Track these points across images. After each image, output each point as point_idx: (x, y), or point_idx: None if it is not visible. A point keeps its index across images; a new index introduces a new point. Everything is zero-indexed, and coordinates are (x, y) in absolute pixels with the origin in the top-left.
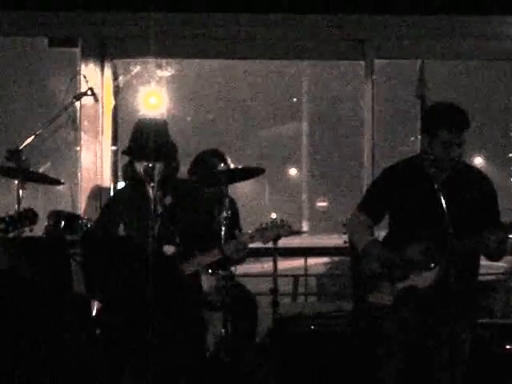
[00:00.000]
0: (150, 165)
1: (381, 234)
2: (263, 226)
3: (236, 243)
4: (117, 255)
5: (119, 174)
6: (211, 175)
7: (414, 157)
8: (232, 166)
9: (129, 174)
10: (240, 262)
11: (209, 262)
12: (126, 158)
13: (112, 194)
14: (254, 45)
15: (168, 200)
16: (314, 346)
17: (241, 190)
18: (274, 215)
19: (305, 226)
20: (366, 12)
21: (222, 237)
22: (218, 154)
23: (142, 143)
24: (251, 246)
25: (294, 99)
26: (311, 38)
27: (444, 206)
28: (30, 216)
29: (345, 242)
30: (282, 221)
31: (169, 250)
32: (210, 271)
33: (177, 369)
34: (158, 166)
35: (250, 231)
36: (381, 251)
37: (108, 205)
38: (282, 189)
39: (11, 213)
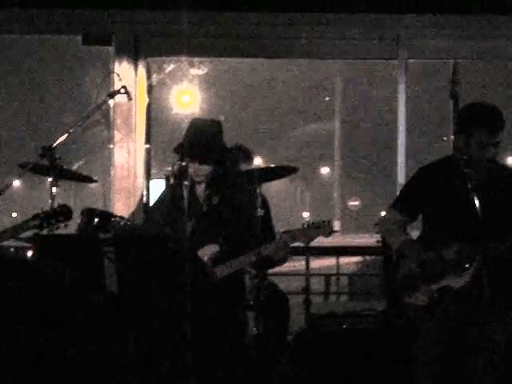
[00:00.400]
0: (184, 163)
1: (413, 233)
2: (305, 226)
3: (276, 243)
4: (149, 255)
5: (152, 172)
6: (244, 174)
7: (448, 157)
8: (256, 162)
9: (177, 172)
10: (282, 262)
11: (247, 263)
12: (159, 156)
13: (160, 193)
14: (288, 44)
15: (215, 200)
16: (346, 344)
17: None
18: (305, 214)
19: (336, 226)
20: (400, 12)
21: (256, 236)
22: (243, 149)
23: (193, 142)
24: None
25: (327, 98)
26: (345, 38)
27: (478, 206)
28: (64, 212)
29: (377, 242)
30: (323, 221)
31: (213, 249)
32: (253, 271)
33: (212, 369)
34: (205, 167)
35: (291, 230)
36: (416, 251)
37: (153, 205)
38: (314, 188)
39: (46, 209)
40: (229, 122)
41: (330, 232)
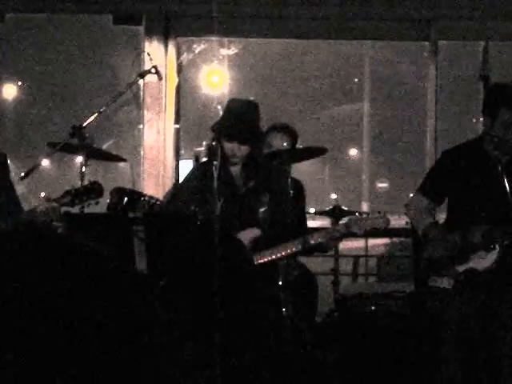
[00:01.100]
0: (214, 143)
1: (440, 216)
2: (361, 216)
3: (328, 232)
4: (181, 234)
5: (181, 152)
6: (274, 154)
7: (475, 139)
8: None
9: (209, 152)
10: (329, 249)
11: (293, 252)
12: (187, 136)
13: (188, 172)
14: (318, 24)
15: (251, 183)
16: (374, 325)
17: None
18: (333, 196)
19: (365, 207)
20: None
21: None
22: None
23: (233, 122)
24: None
25: (356, 79)
26: (375, 18)
27: (507, 187)
28: (96, 189)
29: (407, 223)
30: (379, 212)
31: (255, 232)
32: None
33: (242, 348)
34: (243, 148)
35: (344, 221)
36: (442, 234)
37: (182, 183)
38: (342, 169)
39: (77, 186)
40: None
41: (387, 224)
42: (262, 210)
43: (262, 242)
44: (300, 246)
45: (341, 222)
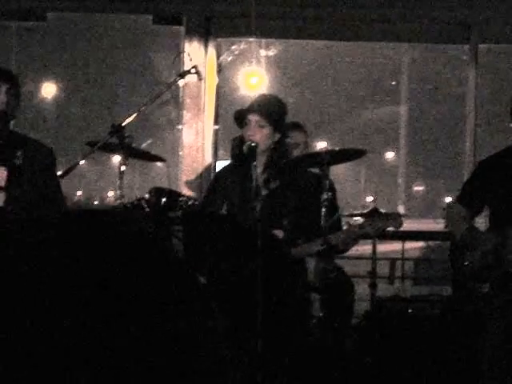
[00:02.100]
0: (253, 143)
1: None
2: (375, 216)
3: (346, 233)
4: (219, 233)
5: (219, 152)
6: (311, 156)
7: (509, 147)
8: (322, 145)
9: (235, 150)
10: (346, 251)
11: (313, 252)
12: (226, 137)
13: (216, 173)
14: (356, 26)
15: (273, 184)
16: (411, 328)
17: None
18: (369, 199)
19: (401, 210)
20: None
21: (323, 220)
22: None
23: (261, 100)
24: None
25: (393, 82)
26: (414, 21)
27: None
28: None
29: (445, 227)
30: (394, 213)
31: (278, 235)
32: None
33: (279, 348)
34: (264, 131)
35: (360, 220)
36: (480, 239)
37: (212, 183)
38: (378, 172)
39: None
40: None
41: (400, 224)
42: (286, 212)
43: (286, 242)
44: (321, 246)
45: (355, 223)
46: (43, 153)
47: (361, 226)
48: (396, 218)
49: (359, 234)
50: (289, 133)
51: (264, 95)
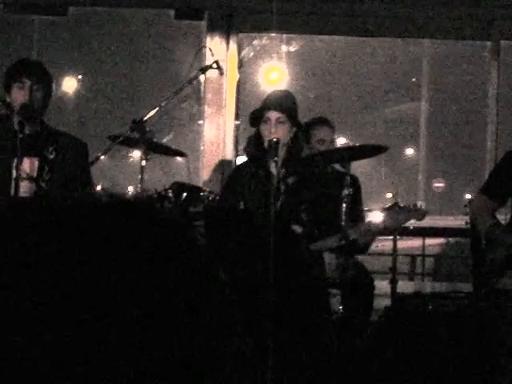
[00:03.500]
0: (275, 139)
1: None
2: (396, 209)
3: (365, 226)
4: (240, 228)
5: (239, 148)
6: (333, 152)
7: None
8: (343, 141)
9: (252, 148)
10: (366, 249)
11: (333, 246)
12: (247, 132)
13: (233, 169)
14: (379, 22)
15: (291, 180)
16: (432, 325)
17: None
18: (389, 195)
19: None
20: None
21: (343, 216)
22: (323, 120)
23: (269, 97)
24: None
25: (414, 79)
26: (436, 17)
27: None
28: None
29: (466, 223)
30: (415, 205)
31: (297, 230)
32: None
33: (297, 345)
34: (280, 129)
35: (379, 215)
36: (504, 236)
37: (229, 180)
38: (398, 168)
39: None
40: (317, 100)
41: (423, 215)
42: (303, 207)
43: (304, 238)
44: (339, 241)
45: (375, 219)
46: (76, 147)
47: (383, 219)
48: (417, 209)
49: (381, 228)
50: (316, 128)
51: (279, 91)
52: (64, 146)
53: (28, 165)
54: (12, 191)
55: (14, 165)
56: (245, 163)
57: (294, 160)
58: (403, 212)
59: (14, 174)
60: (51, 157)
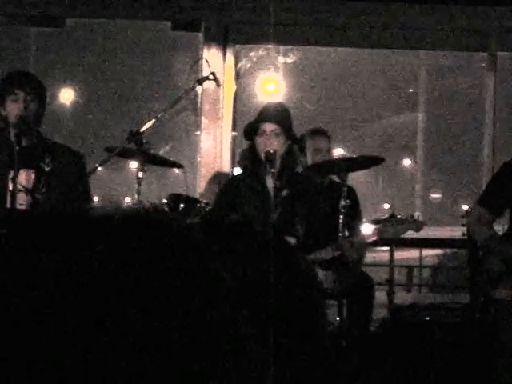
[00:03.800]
0: (272, 150)
1: (496, 227)
2: (393, 221)
3: (359, 239)
4: (236, 239)
5: (236, 159)
6: (330, 163)
7: None
8: (340, 152)
9: (247, 161)
10: (360, 259)
11: (324, 259)
12: (243, 144)
13: (228, 180)
14: (374, 33)
15: (285, 192)
16: (429, 336)
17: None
18: (386, 206)
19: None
20: (490, 4)
21: (340, 227)
22: (321, 130)
23: (265, 109)
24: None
25: (411, 90)
26: (433, 28)
27: None
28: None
29: (463, 234)
30: (411, 216)
31: (290, 241)
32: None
33: (293, 355)
34: (276, 141)
35: (374, 226)
36: (501, 247)
37: (224, 190)
38: (395, 179)
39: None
40: (314, 111)
41: (421, 227)
42: (296, 220)
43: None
44: (334, 252)
45: (374, 228)
46: (72, 159)
47: (380, 230)
48: (415, 221)
49: (377, 240)
50: (313, 138)
51: (274, 104)
52: (60, 157)
53: (24, 177)
54: (8, 203)
55: (10, 177)
56: (240, 175)
57: (288, 173)
58: (400, 224)
59: (11, 186)
60: (47, 169)
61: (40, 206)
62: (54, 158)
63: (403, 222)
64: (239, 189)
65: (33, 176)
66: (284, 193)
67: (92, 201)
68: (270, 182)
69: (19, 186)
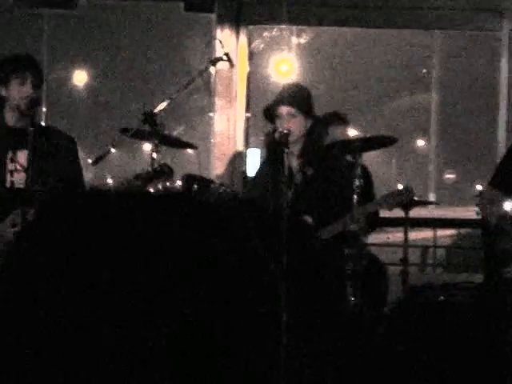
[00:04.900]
0: (285, 131)
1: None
2: (386, 193)
3: (354, 213)
4: (249, 219)
5: (250, 140)
6: (345, 143)
7: None
8: (353, 133)
9: (270, 140)
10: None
11: (337, 232)
12: (257, 124)
13: (258, 168)
14: (389, 13)
15: (310, 170)
16: (444, 316)
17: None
18: (400, 186)
19: (431, 198)
20: None
21: (354, 207)
22: (337, 114)
23: (283, 91)
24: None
25: (424, 70)
26: (446, 8)
27: None
28: (165, 171)
29: (477, 214)
30: (405, 188)
31: (307, 220)
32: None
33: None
34: (297, 121)
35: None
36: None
37: (258, 173)
38: (409, 160)
39: (146, 169)
40: (327, 92)
41: (410, 194)
42: (320, 199)
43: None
44: (348, 224)
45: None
46: (65, 140)
47: (378, 202)
48: (401, 192)
49: (368, 212)
50: (331, 123)
51: (289, 85)
52: (53, 138)
53: (23, 157)
54: (8, 184)
55: (9, 157)
56: (265, 159)
57: (312, 151)
58: (392, 196)
59: (9, 166)
60: (42, 150)
61: (36, 185)
62: (47, 139)
63: (392, 195)
64: (263, 171)
65: (27, 157)
66: (309, 172)
67: (83, 183)
68: (293, 162)
69: (18, 167)
